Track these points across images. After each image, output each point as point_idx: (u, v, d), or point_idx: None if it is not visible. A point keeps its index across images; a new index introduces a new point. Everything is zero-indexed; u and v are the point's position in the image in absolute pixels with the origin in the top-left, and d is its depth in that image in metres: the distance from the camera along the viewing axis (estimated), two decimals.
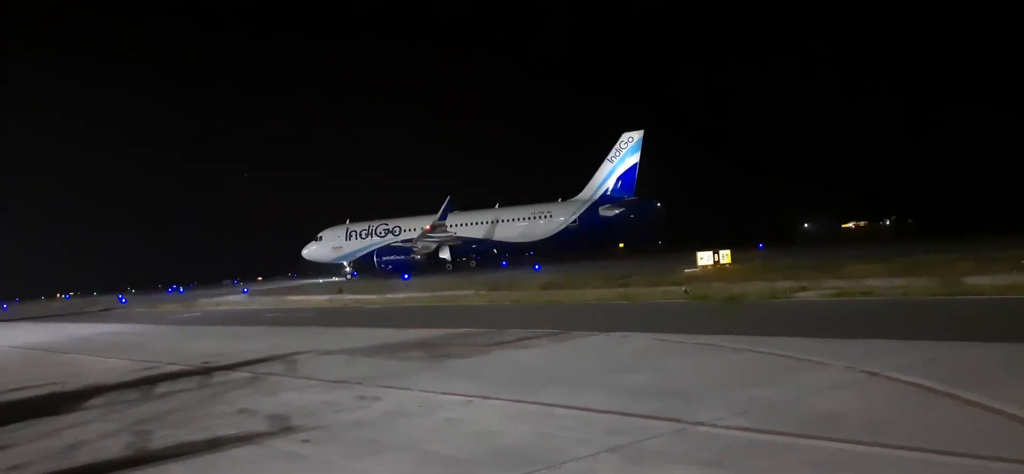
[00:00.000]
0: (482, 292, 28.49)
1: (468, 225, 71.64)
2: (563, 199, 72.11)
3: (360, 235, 74.48)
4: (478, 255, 72.72)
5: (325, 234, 75.84)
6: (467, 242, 71.30)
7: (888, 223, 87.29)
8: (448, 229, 68.84)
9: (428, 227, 68.15)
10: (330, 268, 78.54)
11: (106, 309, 53.05)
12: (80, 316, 45.32)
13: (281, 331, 21.65)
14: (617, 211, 67.78)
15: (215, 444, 7.68)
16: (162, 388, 12.04)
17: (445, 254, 70.15)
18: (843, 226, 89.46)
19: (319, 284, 58.53)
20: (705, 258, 38.00)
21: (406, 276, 55.90)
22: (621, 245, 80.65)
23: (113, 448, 7.93)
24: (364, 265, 74.04)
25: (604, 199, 68.60)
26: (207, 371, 13.63)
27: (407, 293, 33.39)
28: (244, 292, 55.75)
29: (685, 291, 21.45)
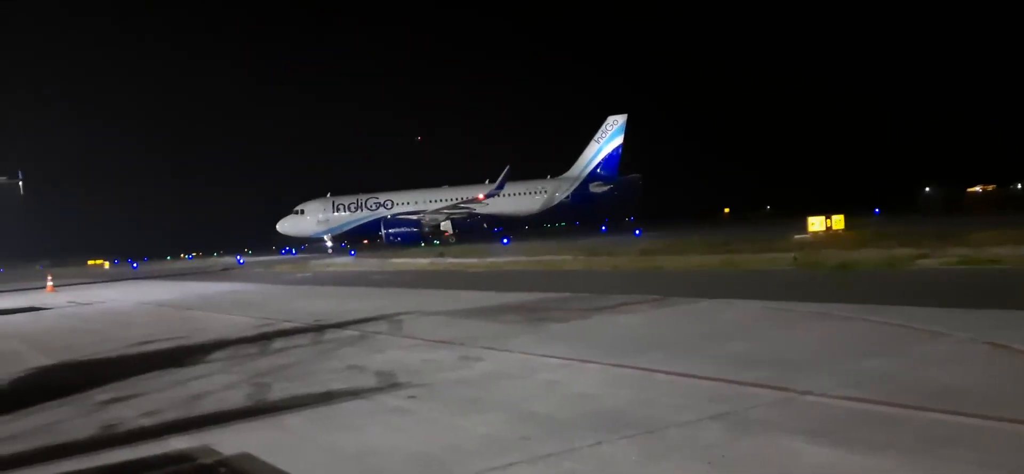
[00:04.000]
0: (580, 257, 28.46)
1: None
2: (551, 176, 76.38)
3: (348, 208, 73.91)
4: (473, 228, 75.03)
5: (307, 207, 74.29)
6: (472, 216, 73.61)
7: (1021, 187, 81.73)
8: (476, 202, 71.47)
9: (481, 196, 70.62)
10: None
11: (225, 269, 55.97)
12: (202, 275, 47.97)
13: (386, 292, 22.31)
14: (605, 188, 73.78)
15: (328, 397, 8.04)
16: (278, 344, 12.65)
17: (446, 226, 72.27)
18: (969, 190, 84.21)
19: (421, 247, 59.84)
20: (816, 223, 36.73)
21: (506, 241, 56.44)
22: (726, 209, 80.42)
23: (235, 398, 8.43)
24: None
25: (592, 177, 74.31)
26: (319, 329, 14.22)
27: (507, 257, 33.72)
28: (351, 255, 57.65)
29: (794, 258, 20.76)
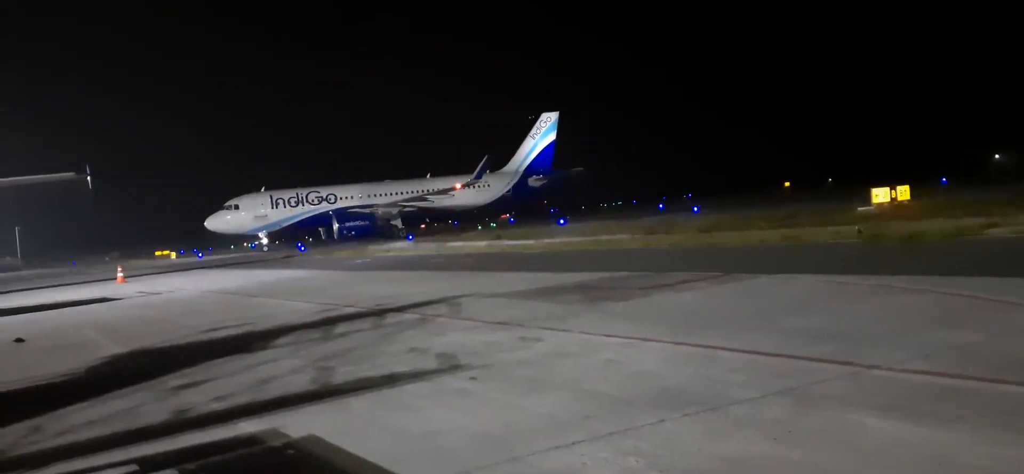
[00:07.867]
0: (638, 236, 28.24)
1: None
2: (490, 171, 77.73)
3: (288, 203, 71.48)
4: (422, 222, 77.77)
5: (242, 202, 70.29)
6: (421, 210, 74.90)
7: None
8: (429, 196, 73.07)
9: (458, 186, 71.83)
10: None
11: (287, 256, 57.15)
12: (264, 263, 49.02)
13: (444, 275, 22.50)
14: (543, 182, 77.93)
15: (391, 380, 8.18)
16: (341, 328, 12.89)
17: (397, 222, 73.16)
18: None
19: (478, 230, 60.18)
20: (880, 195, 35.81)
21: (562, 221, 56.38)
22: (787, 183, 79.41)
23: (301, 382, 8.64)
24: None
25: (530, 171, 78.05)
26: (380, 313, 14.44)
27: (564, 238, 33.67)
28: (409, 239, 58.30)
29: (858, 230, 20.26)
